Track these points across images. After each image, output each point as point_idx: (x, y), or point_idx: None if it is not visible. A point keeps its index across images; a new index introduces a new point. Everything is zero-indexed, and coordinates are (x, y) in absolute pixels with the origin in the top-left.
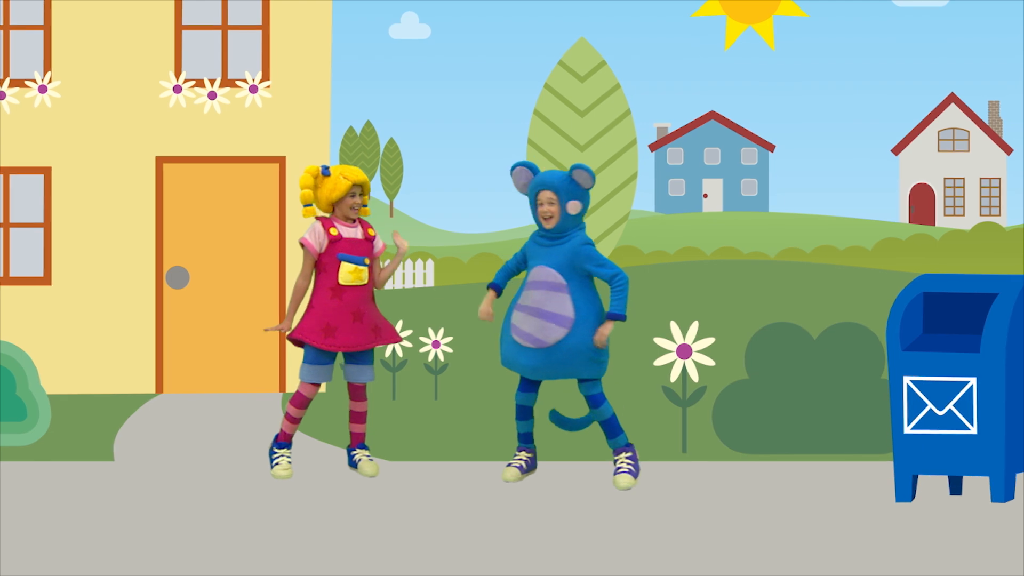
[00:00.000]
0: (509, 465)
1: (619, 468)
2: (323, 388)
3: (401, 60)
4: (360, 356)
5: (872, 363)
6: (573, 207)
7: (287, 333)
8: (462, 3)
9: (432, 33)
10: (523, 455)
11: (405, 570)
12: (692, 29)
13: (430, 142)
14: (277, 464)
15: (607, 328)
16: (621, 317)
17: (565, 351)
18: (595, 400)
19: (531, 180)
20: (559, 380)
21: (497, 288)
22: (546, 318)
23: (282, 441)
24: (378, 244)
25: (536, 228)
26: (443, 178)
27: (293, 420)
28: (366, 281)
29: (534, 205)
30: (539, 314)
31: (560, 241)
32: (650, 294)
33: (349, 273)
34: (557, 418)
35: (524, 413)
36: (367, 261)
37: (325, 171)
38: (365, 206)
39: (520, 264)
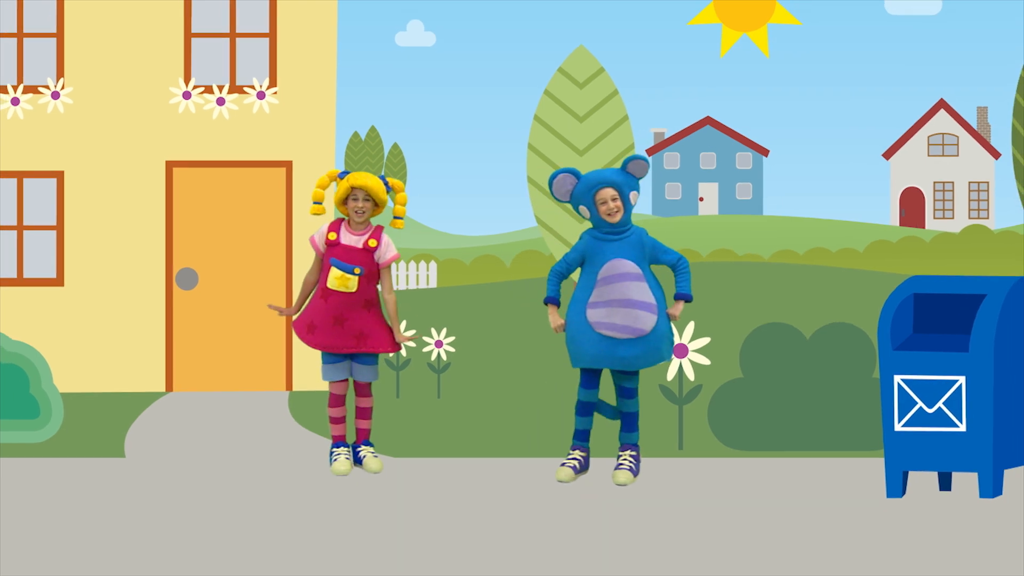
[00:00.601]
0: (563, 464)
1: (620, 464)
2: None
3: (406, 67)
4: (362, 356)
5: (864, 362)
6: (635, 197)
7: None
8: (467, 12)
9: (437, 40)
10: (578, 454)
11: (408, 563)
12: (688, 37)
13: (433, 146)
14: (335, 460)
15: (679, 308)
16: (688, 297)
17: (658, 336)
18: (630, 392)
19: (575, 185)
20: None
21: (556, 301)
22: (638, 307)
23: (337, 442)
24: (385, 255)
25: (593, 227)
26: (446, 182)
27: (336, 421)
28: (353, 290)
29: (593, 205)
30: (630, 304)
31: (625, 234)
32: None
33: (336, 279)
34: (604, 408)
35: (587, 409)
36: (357, 271)
37: (343, 175)
38: (398, 219)
39: (572, 267)
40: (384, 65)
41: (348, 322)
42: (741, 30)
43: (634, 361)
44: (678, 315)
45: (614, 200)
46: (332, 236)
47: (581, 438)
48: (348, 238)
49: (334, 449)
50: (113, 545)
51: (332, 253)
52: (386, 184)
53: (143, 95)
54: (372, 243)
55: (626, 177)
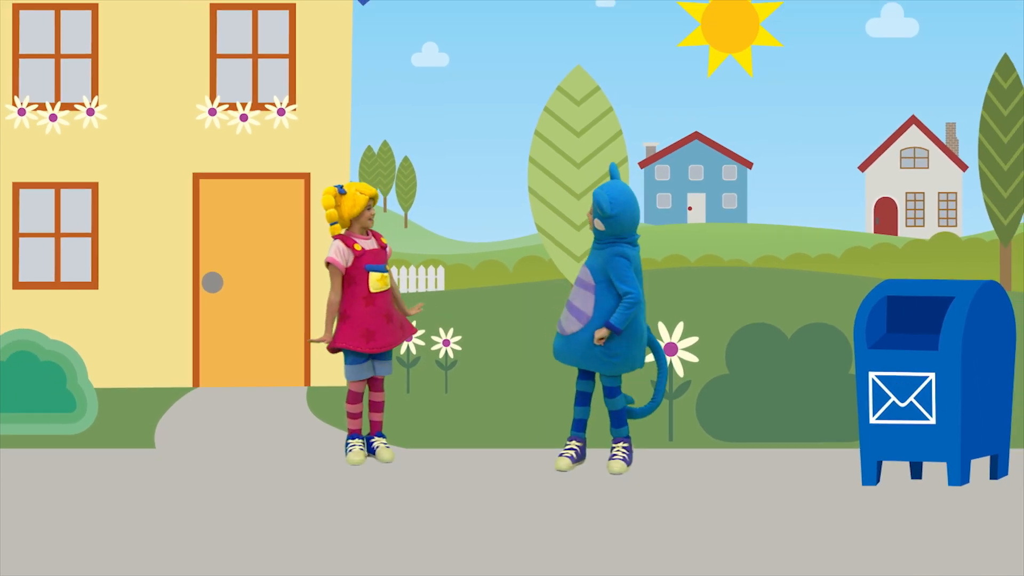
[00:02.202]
0: (561, 455)
1: (614, 455)
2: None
3: (421, 86)
4: (384, 352)
5: (841, 360)
6: (596, 223)
7: (325, 345)
8: (477, 35)
9: (450, 61)
10: (575, 444)
11: (418, 545)
12: (678, 58)
13: (441, 159)
14: (350, 451)
15: (601, 331)
16: (615, 328)
17: (578, 343)
18: (608, 392)
19: None
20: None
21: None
22: (570, 310)
23: (352, 434)
24: (390, 249)
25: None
26: (453, 192)
27: (353, 416)
28: (389, 286)
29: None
30: (568, 306)
31: (604, 247)
32: None
33: (377, 281)
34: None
35: (581, 399)
36: (388, 268)
37: (341, 190)
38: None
39: None
40: (400, 84)
41: (394, 317)
42: (727, 52)
43: (556, 355)
44: (599, 336)
45: (589, 214)
46: (358, 247)
47: (578, 428)
48: (366, 244)
49: (350, 441)
50: (144, 529)
51: (363, 261)
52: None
53: (171, 112)
54: (384, 241)
55: (597, 194)
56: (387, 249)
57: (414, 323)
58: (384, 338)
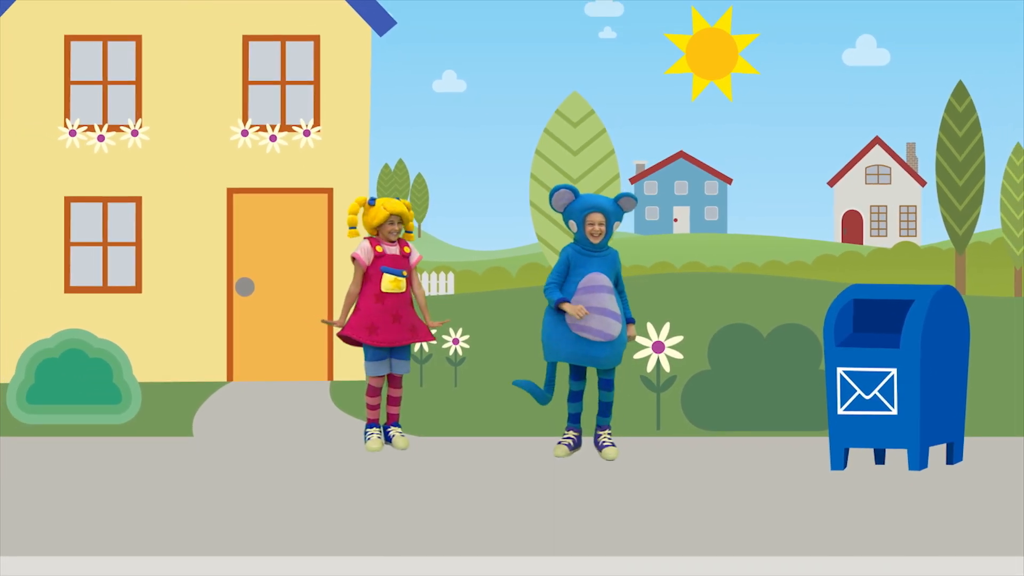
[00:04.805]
0: (559, 443)
1: (605, 443)
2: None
3: (440, 109)
4: (401, 352)
5: (812, 357)
6: (617, 226)
7: (337, 331)
8: (492, 63)
9: (468, 87)
10: (572, 434)
11: (430, 523)
12: (665, 84)
13: (452, 175)
14: (369, 439)
15: (632, 330)
16: (632, 321)
17: (620, 341)
18: (611, 384)
19: (571, 202)
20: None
21: (567, 298)
22: (610, 316)
23: (371, 423)
24: (413, 257)
25: (574, 242)
26: (462, 205)
27: (372, 408)
28: (404, 290)
29: (582, 224)
30: (605, 312)
31: (603, 253)
32: (630, 300)
33: (390, 283)
34: (530, 387)
35: (576, 397)
36: (405, 273)
37: (371, 201)
38: (410, 232)
39: (562, 277)
40: (421, 108)
41: (403, 318)
42: (709, 78)
43: (606, 361)
44: (632, 336)
45: (600, 224)
46: (379, 249)
47: (574, 420)
48: (389, 249)
49: (368, 430)
50: (183, 509)
51: (381, 262)
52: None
53: (208, 133)
54: (407, 250)
55: (615, 208)
56: (411, 258)
57: (433, 332)
58: (387, 335)
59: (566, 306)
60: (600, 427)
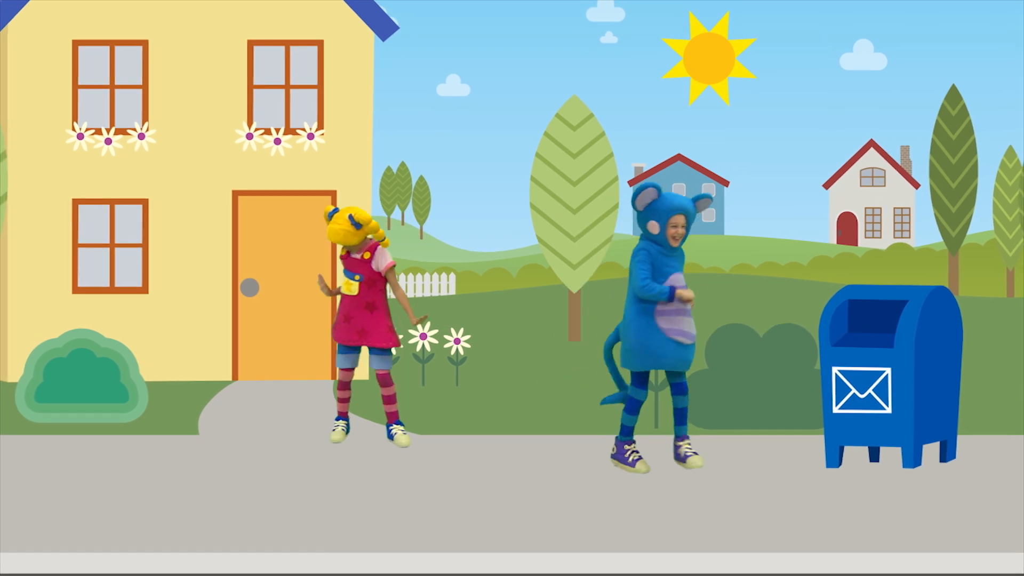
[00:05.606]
0: (640, 459)
1: (688, 453)
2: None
3: (443, 113)
4: (376, 349)
5: (808, 356)
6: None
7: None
8: (495, 68)
9: (471, 91)
10: (637, 447)
11: (430, 518)
12: (663, 88)
13: (454, 178)
14: (332, 431)
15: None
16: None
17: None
18: (687, 388)
19: (654, 200)
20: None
21: (674, 291)
22: (689, 315)
23: (338, 416)
24: (380, 263)
25: (651, 241)
26: (463, 207)
27: (339, 400)
28: (355, 293)
29: (665, 224)
30: (689, 313)
31: (677, 252)
32: None
33: (344, 284)
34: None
35: (639, 407)
36: (357, 278)
37: (357, 225)
38: (382, 239)
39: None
40: (426, 111)
41: (353, 320)
42: (706, 83)
43: (688, 364)
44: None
45: (683, 227)
46: (343, 251)
47: (630, 433)
48: (354, 252)
49: (335, 422)
50: (188, 505)
51: (344, 265)
52: (355, 222)
53: (213, 136)
54: (367, 255)
55: (695, 210)
56: (374, 262)
57: (421, 330)
58: (339, 333)
59: (682, 292)
60: (680, 436)
